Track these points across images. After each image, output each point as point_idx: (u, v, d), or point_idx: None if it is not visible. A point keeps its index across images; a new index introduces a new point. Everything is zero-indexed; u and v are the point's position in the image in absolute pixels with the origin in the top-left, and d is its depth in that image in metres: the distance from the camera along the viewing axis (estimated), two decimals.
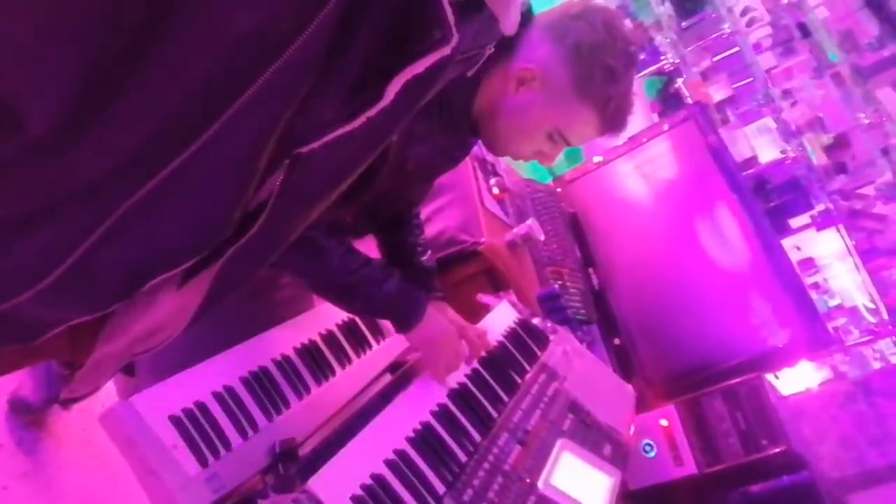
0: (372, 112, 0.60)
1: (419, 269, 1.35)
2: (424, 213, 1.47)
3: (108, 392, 1.51)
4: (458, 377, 1.28)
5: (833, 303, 3.96)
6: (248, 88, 0.53)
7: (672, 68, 4.56)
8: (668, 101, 4.60)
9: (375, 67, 0.59)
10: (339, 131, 0.61)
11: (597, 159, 2.79)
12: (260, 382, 1.14)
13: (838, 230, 3.91)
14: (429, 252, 1.39)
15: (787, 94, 4.31)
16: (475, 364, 1.34)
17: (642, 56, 4.54)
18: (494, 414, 1.26)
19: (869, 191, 4.05)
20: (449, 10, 0.58)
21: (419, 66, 0.60)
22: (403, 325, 1.19)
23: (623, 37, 1.10)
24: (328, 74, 0.57)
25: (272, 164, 0.62)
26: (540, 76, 1.10)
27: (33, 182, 0.56)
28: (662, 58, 4.55)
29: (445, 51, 0.60)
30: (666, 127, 2.69)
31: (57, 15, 0.47)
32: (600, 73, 1.08)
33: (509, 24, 0.73)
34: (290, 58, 0.53)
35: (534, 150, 1.19)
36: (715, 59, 4.61)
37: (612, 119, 1.13)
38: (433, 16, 0.58)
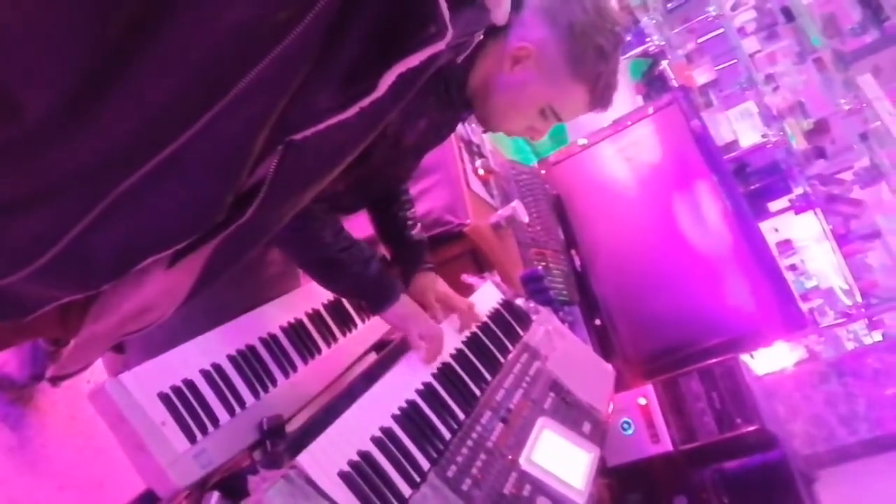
0: (365, 102, 0.61)
1: (411, 243, 1.40)
2: (410, 193, 1.49)
3: (95, 369, 1.52)
4: (442, 356, 1.30)
5: (810, 284, 4.03)
6: (244, 77, 0.54)
7: (657, 50, 4.56)
8: (652, 83, 4.61)
9: (370, 59, 0.60)
10: (332, 120, 0.62)
11: (581, 142, 2.80)
12: (247, 360, 1.15)
13: (816, 214, 3.96)
14: (419, 226, 1.43)
15: (769, 78, 4.34)
16: (459, 343, 1.37)
17: (628, 38, 4.54)
18: (478, 392, 1.29)
19: (847, 176, 4.10)
20: (444, 6, 0.58)
21: (413, 60, 0.61)
22: (381, 305, 1.23)
23: (611, 18, 1.16)
24: (323, 64, 0.58)
25: (265, 149, 0.63)
26: (535, 55, 1.14)
27: (30, 166, 0.57)
28: (648, 40, 4.54)
29: (440, 46, 0.61)
30: (650, 110, 2.71)
31: (55, 4, 0.48)
32: (592, 52, 1.14)
33: (501, 15, 0.74)
34: (287, 48, 0.53)
35: (526, 126, 1.24)
36: (699, 40, 4.62)
37: (601, 95, 1.20)
38: (429, 11, 0.58)
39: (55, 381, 1.04)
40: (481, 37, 0.91)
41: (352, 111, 0.62)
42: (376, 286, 1.21)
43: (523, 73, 1.15)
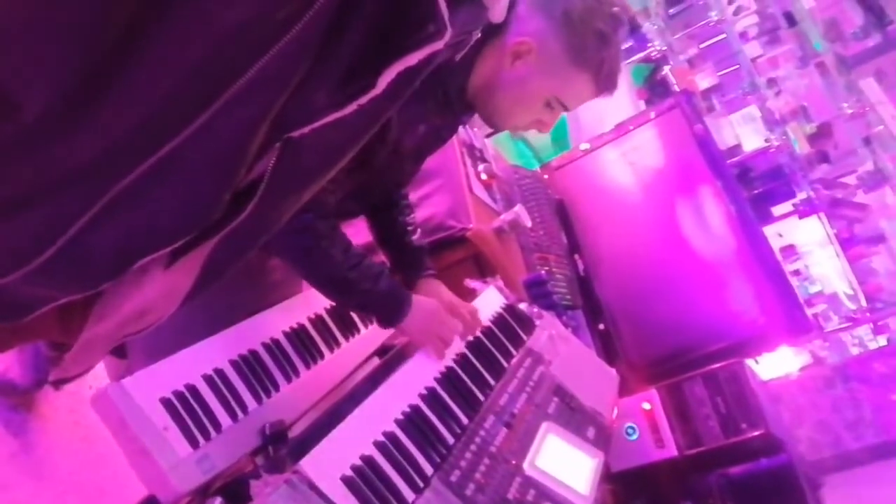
0: (363, 100, 0.61)
1: (411, 249, 1.39)
2: (412, 198, 1.49)
3: (96, 375, 1.52)
4: (445, 361, 1.29)
5: (814, 289, 4.03)
6: (243, 76, 0.54)
7: (659, 56, 4.57)
8: (654, 88, 4.61)
9: (369, 57, 0.60)
10: (330, 117, 0.62)
11: (584, 146, 2.79)
12: (249, 365, 1.15)
13: (820, 218, 3.96)
14: (419, 231, 1.42)
15: (771, 82, 4.35)
16: (462, 348, 1.36)
17: (630, 43, 4.55)
18: (481, 397, 1.28)
19: (850, 180, 4.10)
20: (443, 5, 0.58)
21: (412, 59, 0.61)
22: (393, 320, 1.22)
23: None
24: (322, 62, 0.58)
25: (263, 147, 0.63)
26: (535, 49, 1.14)
27: (28, 164, 0.56)
28: (649, 45, 4.55)
29: (439, 45, 0.61)
30: (653, 115, 2.70)
31: (55, 4, 0.48)
32: (592, 38, 1.12)
33: (498, 12, 0.74)
34: (286, 46, 0.53)
35: (533, 120, 1.23)
36: (701, 45, 4.64)
37: (607, 80, 1.18)
38: (428, 10, 0.58)
39: (57, 384, 1.04)
40: (479, 35, 0.91)
41: (350, 109, 0.62)
42: (387, 301, 1.21)
43: (525, 69, 1.14)
